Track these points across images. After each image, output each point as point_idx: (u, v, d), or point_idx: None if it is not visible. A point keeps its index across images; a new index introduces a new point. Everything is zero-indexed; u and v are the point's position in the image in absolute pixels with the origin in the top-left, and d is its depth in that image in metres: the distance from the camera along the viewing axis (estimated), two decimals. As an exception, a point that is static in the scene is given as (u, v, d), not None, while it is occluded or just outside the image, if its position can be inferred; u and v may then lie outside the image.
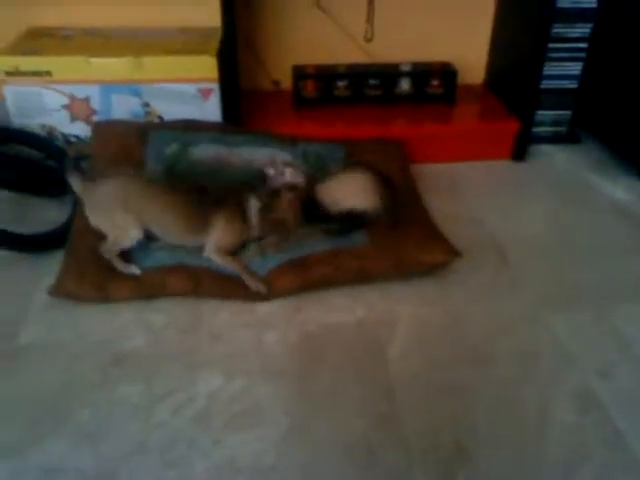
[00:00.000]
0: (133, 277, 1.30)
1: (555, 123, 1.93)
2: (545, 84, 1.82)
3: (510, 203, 1.66)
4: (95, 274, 1.29)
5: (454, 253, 1.36)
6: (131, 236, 1.33)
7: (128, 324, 1.24)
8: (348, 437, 1.03)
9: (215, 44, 1.68)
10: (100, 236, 1.34)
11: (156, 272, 1.30)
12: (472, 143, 1.85)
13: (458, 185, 1.73)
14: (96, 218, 1.35)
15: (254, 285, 1.30)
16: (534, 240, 1.51)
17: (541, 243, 1.51)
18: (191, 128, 1.61)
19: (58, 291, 1.27)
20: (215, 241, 1.35)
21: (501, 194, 1.71)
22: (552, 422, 1.05)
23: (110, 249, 1.32)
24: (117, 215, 1.33)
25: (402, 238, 1.38)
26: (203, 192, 1.38)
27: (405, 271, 1.34)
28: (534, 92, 1.80)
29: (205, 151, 1.57)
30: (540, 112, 1.89)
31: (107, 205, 1.34)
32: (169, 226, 1.36)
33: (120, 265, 1.31)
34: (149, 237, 1.36)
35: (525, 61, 1.78)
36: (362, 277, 1.33)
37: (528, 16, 1.75)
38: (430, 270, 1.36)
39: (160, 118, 1.69)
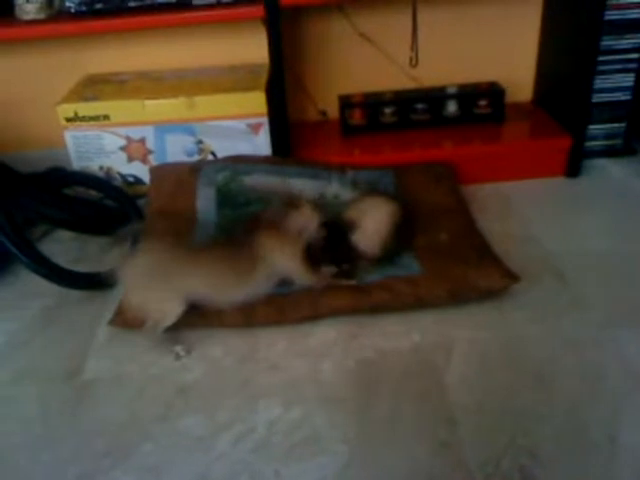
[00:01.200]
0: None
1: (609, 136, 1.89)
2: (596, 97, 1.79)
3: (566, 220, 1.62)
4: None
5: (512, 277, 1.33)
6: (173, 313, 1.26)
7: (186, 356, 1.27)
8: (409, 465, 1.01)
9: (263, 79, 1.73)
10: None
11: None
12: (523, 161, 1.83)
13: (511, 204, 1.71)
14: (135, 297, 1.27)
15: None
16: (594, 258, 1.47)
17: (602, 260, 1.46)
18: (242, 161, 1.65)
19: (118, 321, 1.31)
20: (287, 264, 1.31)
21: (556, 211, 1.67)
22: (620, 446, 1.01)
23: (153, 330, 1.27)
24: (157, 291, 1.26)
25: (457, 263, 1.35)
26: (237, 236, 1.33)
27: (461, 297, 1.32)
28: (585, 107, 1.77)
29: (257, 180, 1.60)
30: (593, 126, 1.85)
31: (146, 280, 1.27)
32: (218, 281, 1.29)
33: (165, 347, 1.26)
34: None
35: (574, 75, 1.76)
36: (417, 304, 1.31)
37: (576, 30, 1.73)
38: (487, 295, 1.33)
39: (213, 154, 1.74)
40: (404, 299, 1.30)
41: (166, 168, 1.69)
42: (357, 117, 1.90)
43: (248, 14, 1.62)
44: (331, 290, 1.32)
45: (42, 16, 1.66)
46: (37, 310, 1.42)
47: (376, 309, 1.31)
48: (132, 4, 1.62)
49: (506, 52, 1.96)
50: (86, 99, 1.71)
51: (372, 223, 1.38)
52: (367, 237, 1.37)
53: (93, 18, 1.62)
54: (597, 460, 0.99)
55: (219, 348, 1.27)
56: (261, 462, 1.03)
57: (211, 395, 1.17)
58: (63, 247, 1.62)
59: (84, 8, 1.61)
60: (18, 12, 1.67)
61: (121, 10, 1.62)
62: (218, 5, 1.62)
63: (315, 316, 1.30)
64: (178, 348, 1.27)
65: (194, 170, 1.63)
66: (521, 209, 1.68)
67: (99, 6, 1.61)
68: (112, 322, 1.32)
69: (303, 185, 1.59)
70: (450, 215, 1.53)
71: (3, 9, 1.69)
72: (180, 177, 1.62)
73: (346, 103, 1.90)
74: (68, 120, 1.70)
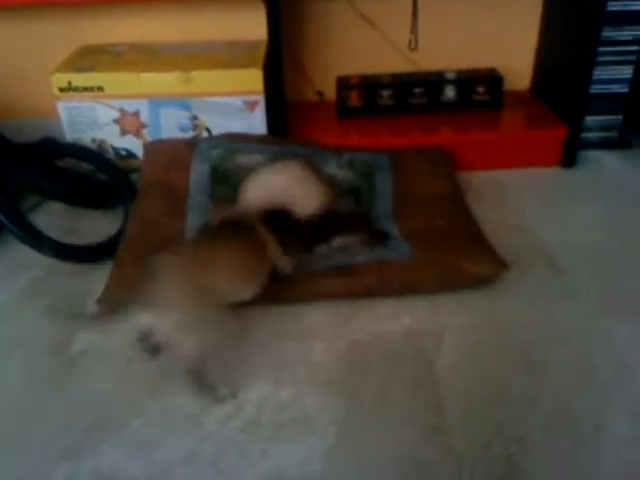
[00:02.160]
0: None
1: (605, 128, 1.88)
2: (594, 89, 1.78)
3: (560, 210, 1.63)
4: (143, 282, 1.30)
5: (502, 265, 1.33)
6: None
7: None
8: (397, 449, 1.02)
9: (261, 57, 1.70)
10: (150, 246, 1.36)
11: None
12: (519, 150, 1.83)
13: (506, 192, 1.71)
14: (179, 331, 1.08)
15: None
16: (586, 247, 1.47)
17: (594, 250, 1.47)
18: (237, 139, 1.64)
19: (106, 299, 1.30)
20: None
21: (551, 201, 1.67)
22: (608, 435, 1.02)
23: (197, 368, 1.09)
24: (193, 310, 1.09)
25: (448, 249, 1.35)
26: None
27: (451, 284, 1.32)
28: (583, 97, 1.76)
29: (250, 158, 1.58)
30: (589, 117, 1.85)
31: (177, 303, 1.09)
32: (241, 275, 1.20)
33: (210, 392, 1.11)
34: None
35: (574, 66, 1.75)
36: (407, 289, 1.31)
37: (577, 20, 1.72)
38: (477, 282, 1.33)
39: (207, 130, 1.72)
40: (394, 284, 1.31)
41: (160, 144, 1.68)
42: (354, 99, 1.88)
43: (249, -11, 1.60)
44: (323, 275, 1.31)
45: (39, -18, 1.63)
46: (26, 282, 1.41)
47: (367, 294, 1.31)
48: (131, -26, 1.59)
49: (506, 39, 1.95)
50: (80, 69, 1.68)
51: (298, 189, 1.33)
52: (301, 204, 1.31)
53: (90, -13, 1.59)
54: (585, 448, 1.00)
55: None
56: (249, 441, 1.03)
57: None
58: (54, 219, 1.60)
59: (82, -24, 1.58)
60: (14, -23, 1.63)
61: (119, -20, 1.59)
62: (218, -21, 1.60)
63: (307, 299, 1.30)
64: (224, 391, 1.12)
65: (189, 146, 1.61)
66: (516, 198, 1.68)
67: (98, -26, 1.58)
68: (100, 301, 1.30)
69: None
70: (445, 201, 1.53)
71: (-3, -26, 1.65)
72: (174, 152, 1.61)
73: (344, 84, 1.88)
74: (61, 90, 1.67)
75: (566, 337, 1.22)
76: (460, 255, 1.34)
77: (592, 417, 1.05)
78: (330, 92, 1.95)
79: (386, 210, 1.49)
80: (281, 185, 1.35)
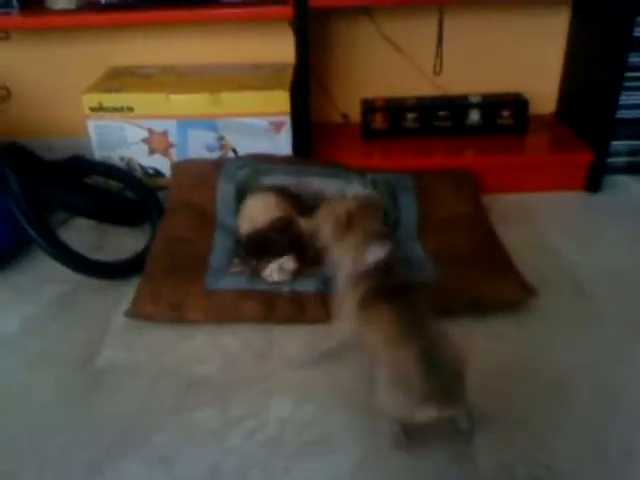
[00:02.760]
0: (207, 298, 1.31)
1: (631, 153, 1.87)
2: (620, 113, 1.78)
3: (586, 234, 1.62)
4: (170, 295, 1.32)
5: (529, 291, 1.32)
6: None
7: (202, 347, 1.27)
8: (422, 472, 1.00)
9: (287, 79, 1.73)
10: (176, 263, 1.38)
11: (230, 295, 1.31)
12: (544, 174, 1.82)
13: (531, 216, 1.70)
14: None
15: None
16: (613, 272, 1.46)
17: (621, 275, 1.45)
18: (263, 160, 1.66)
19: (134, 312, 1.32)
20: None
21: (576, 225, 1.66)
22: (638, 461, 1.00)
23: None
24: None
25: (476, 274, 1.34)
26: None
27: (478, 309, 1.30)
28: (609, 122, 1.76)
29: (274, 179, 1.60)
30: (615, 142, 1.84)
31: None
32: None
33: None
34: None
35: (599, 90, 1.75)
36: (439, 312, 1.29)
37: (602, 45, 1.72)
38: (503, 308, 1.32)
39: (234, 151, 1.74)
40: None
41: (187, 164, 1.71)
42: (379, 121, 1.90)
43: (276, 14, 1.63)
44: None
45: (73, 6, 1.67)
46: (53, 296, 1.43)
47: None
48: (162, -2, 1.63)
49: (531, 64, 1.95)
50: (111, 90, 1.72)
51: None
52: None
53: (123, 10, 1.64)
54: (614, 475, 0.99)
55: (235, 342, 1.27)
56: (272, 458, 1.03)
57: (225, 389, 1.17)
58: (82, 235, 1.62)
59: (115, 0, 1.62)
60: (49, 1, 1.68)
61: (151, 3, 1.63)
62: (247, 3, 1.63)
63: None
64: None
65: (215, 166, 1.63)
66: (541, 221, 1.67)
67: (130, -2, 1.62)
68: (128, 314, 1.32)
69: (323, 184, 1.58)
70: (470, 223, 1.52)
71: (35, -3, 1.71)
72: (201, 172, 1.63)
73: (369, 107, 1.90)
74: (92, 110, 1.70)
75: (594, 362, 1.21)
76: (486, 281, 1.32)
77: (622, 443, 1.03)
78: (354, 114, 1.97)
79: (411, 231, 1.49)
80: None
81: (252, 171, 1.62)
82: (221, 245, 1.46)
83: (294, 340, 1.27)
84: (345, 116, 2.02)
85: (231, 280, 1.35)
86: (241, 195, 1.58)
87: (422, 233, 1.48)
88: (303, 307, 1.31)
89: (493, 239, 1.49)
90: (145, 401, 1.15)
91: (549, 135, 1.95)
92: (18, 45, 1.89)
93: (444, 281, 1.33)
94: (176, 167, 1.70)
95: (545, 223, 1.67)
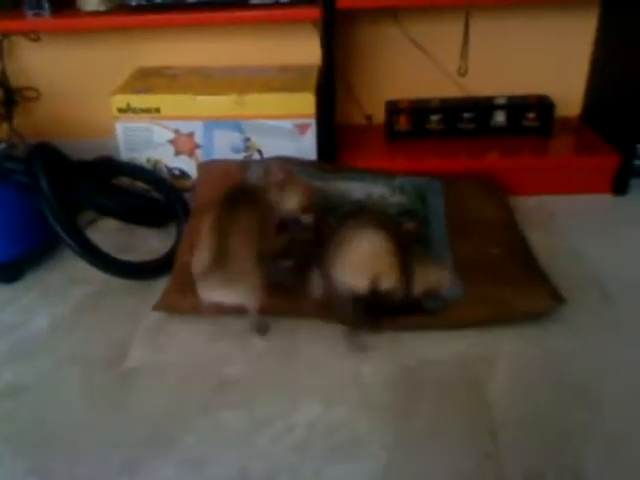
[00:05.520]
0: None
1: (659, 156, 1.86)
2: (648, 116, 1.76)
3: (612, 238, 1.60)
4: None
5: (558, 299, 1.30)
6: None
7: (229, 349, 1.28)
8: (449, 476, 1.01)
9: (313, 81, 1.74)
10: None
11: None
12: (570, 176, 1.81)
13: (556, 218, 1.69)
14: None
15: None
16: (639, 277, 1.45)
17: (647, 280, 1.44)
18: (289, 163, 1.66)
19: (162, 306, 1.33)
20: None
21: (602, 228, 1.65)
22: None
23: None
24: None
25: (502, 284, 1.31)
26: None
27: (503, 320, 1.29)
28: (636, 124, 1.74)
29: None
30: (642, 145, 1.82)
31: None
32: None
33: None
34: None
35: (626, 93, 1.73)
36: (457, 326, 1.29)
37: (630, 47, 1.71)
38: (531, 317, 1.30)
39: (259, 152, 1.75)
40: (444, 322, 1.29)
41: (214, 164, 1.72)
42: (403, 123, 1.90)
43: (304, 15, 1.64)
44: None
45: (103, 8, 1.69)
46: (82, 296, 1.45)
47: (414, 329, 1.29)
48: (191, 0, 1.64)
49: (557, 65, 1.94)
50: (138, 91, 1.74)
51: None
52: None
53: (153, 12, 1.65)
54: (642, 483, 0.98)
55: (261, 343, 1.28)
56: (300, 461, 1.04)
57: (252, 390, 1.18)
58: (109, 236, 1.64)
59: (144, 2, 1.64)
60: (79, 3, 1.70)
61: (180, 5, 1.65)
62: (275, 5, 1.64)
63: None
64: None
65: (242, 166, 1.65)
66: (566, 224, 1.66)
67: (159, 0, 1.63)
68: (156, 307, 1.33)
69: (349, 186, 1.59)
70: (500, 228, 1.51)
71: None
72: (228, 172, 1.64)
73: (393, 109, 1.90)
74: (120, 111, 1.72)
75: (620, 369, 1.20)
76: (514, 290, 1.30)
77: (650, 451, 1.03)
78: (379, 116, 1.97)
79: (441, 234, 1.48)
80: None
81: None
82: None
83: (320, 343, 1.28)
84: (369, 117, 2.02)
85: None
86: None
87: (452, 237, 1.47)
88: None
89: (524, 245, 1.48)
90: (174, 402, 1.16)
91: (575, 137, 1.93)
92: (48, 46, 1.92)
93: (468, 298, 1.30)
94: (203, 167, 1.72)
95: (570, 225, 1.65)
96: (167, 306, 1.34)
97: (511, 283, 1.32)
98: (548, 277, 1.36)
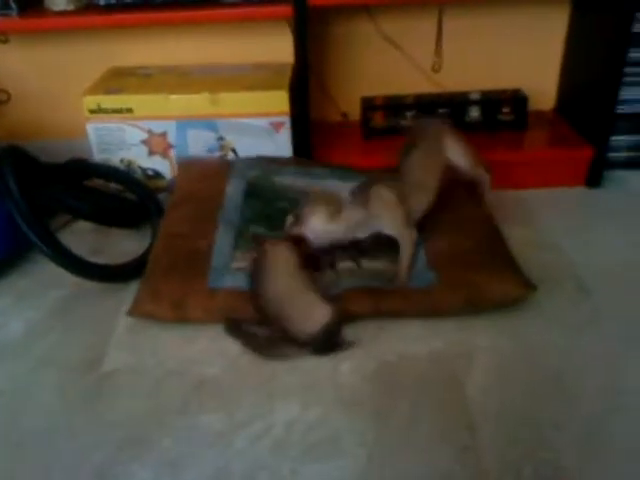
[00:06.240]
0: (210, 298, 1.30)
1: (632, 148, 1.87)
2: (620, 109, 1.78)
3: (586, 230, 1.62)
4: (171, 294, 1.31)
5: (529, 287, 1.32)
6: None
7: (205, 351, 1.26)
8: (428, 471, 1.01)
9: (287, 79, 1.73)
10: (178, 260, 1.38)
11: (233, 295, 1.31)
12: (544, 169, 1.82)
13: (532, 212, 1.70)
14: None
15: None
16: (616, 269, 1.46)
17: (622, 271, 1.45)
18: (271, 162, 1.67)
19: (136, 311, 1.31)
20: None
21: (576, 221, 1.66)
22: (642, 460, 1.01)
23: None
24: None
25: (473, 271, 1.34)
26: None
27: (477, 307, 1.31)
28: (609, 117, 1.76)
29: (287, 180, 1.61)
30: (615, 137, 1.84)
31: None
32: None
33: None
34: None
35: (599, 86, 1.75)
36: (433, 312, 1.31)
37: (602, 41, 1.72)
38: (504, 305, 1.32)
39: (233, 151, 1.74)
40: (420, 307, 1.30)
41: (195, 159, 1.72)
42: (379, 120, 1.90)
43: (275, 13, 1.62)
44: (350, 295, 1.31)
45: (71, 7, 1.67)
46: (56, 300, 1.43)
47: (392, 315, 1.31)
48: (160, -1, 1.62)
49: (530, 60, 1.95)
50: (110, 92, 1.72)
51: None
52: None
53: (122, 11, 1.63)
54: (618, 474, 0.99)
55: (236, 344, 1.27)
56: (279, 461, 1.03)
57: (229, 392, 1.17)
58: (82, 238, 1.62)
59: (113, 1, 1.62)
60: (48, 3, 1.67)
61: (150, 4, 1.63)
62: (246, 3, 1.62)
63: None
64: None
65: (224, 163, 1.65)
66: (541, 217, 1.67)
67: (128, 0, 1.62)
68: (130, 312, 1.32)
69: (333, 185, 1.58)
70: (474, 221, 1.52)
71: (34, -1, 1.70)
72: (209, 167, 1.65)
73: (368, 105, 1.89)
74: (92, 112, 1.70)
75: (596, 360, 1.21)
76: (485, 277, 1.32)
77: (625, 442, 1.04)
78: (354, 113, 1.97)
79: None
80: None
81: (263, 171, 1.63)
82: (223, 240, 1.45)
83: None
84: (345, 115, 2.02)
85: (233, 278, 1.35)
86: (251, 189, 1.59)
87: (425, 232, 1.48)
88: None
89: (496, 237, 1.49)
90: (151, 404, 1.15)
91: (549, 131, 1.95)
92: (17, 48, 1.88)
93: (441, 284, 1.33)
94: (183, 163, 1.71)
95: (545, 219, 1.67)
96: (141, 313, 1.32)
97: (483, 271, 1.34)
98: (519, 267, 1.37)
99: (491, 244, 1.45)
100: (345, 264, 1.41)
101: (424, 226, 1.44)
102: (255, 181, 1.61)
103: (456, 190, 1.57)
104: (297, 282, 1.27)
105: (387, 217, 1.37)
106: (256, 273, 1.29)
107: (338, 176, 1.63)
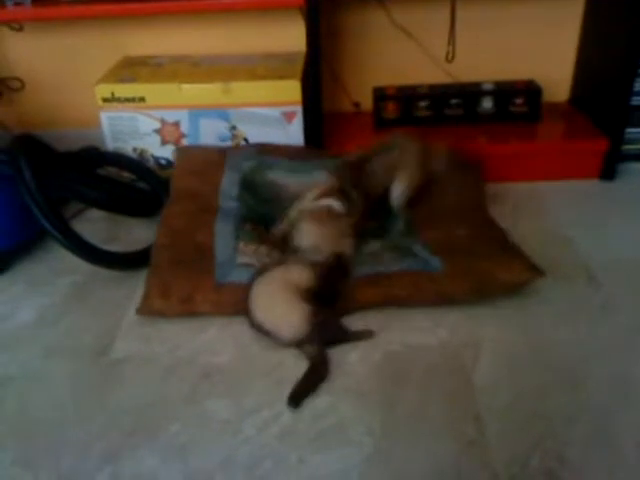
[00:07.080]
0: (217, 292, 1.31)
1: (646, 141, 1.86)
2: (635, 100, 1.76)
3: (600, 222, 1.61)
4: (180, 289, 1.32)
5: (536, 271, 1.31)
6: None
7: (215, 339, 1.28)
8: (434, 461, 1.01)
9: (299, 68, 1.72)
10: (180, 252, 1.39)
11: (241, 289, 1.31)
12: (558, 162, 1.81)
13: (545, 204, 1.69)
14: None
15: None
16: (626, 261, 1.45)
17: (633, 264, 1.44)
18: (268, 151, 1.67)
19: (145, 309, 1.32)
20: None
21: (590, 213, 1.65)
22: (651, 453, 1.00)
23: None
24: None
25: (478, 258, 1.34)
26: None
27: (485, 293, 1.30)
28: (624, 109, 1.74)
29: (278, 177, 1.62)
30: (630, 129, 1.82)
31: None
32: None
33: None
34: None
35: (614, 77, 1.73)
36: (440, 300, 1.30)
37: (617, 32, 1.70)
38: (511, 290, 1.32)
39: (245, 140, 1.74)
40: (427, 294, 1.30)
41: (192, 149, 1.72)
42: (391, 110, 1.89)
43: (288, 2, 1.63)
44: (359, 284, 1.32)
45: (84, -4, 1.67)
46: (68, 287, 1.44)
47: (399, 304, 1.31)
48: (173, -12, 1.62)
49: (544, 51, 1.93)
50: (123, 80, 1.72)
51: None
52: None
53: (133, 0, 1.63)
54: (625, 467, 0.99)
55: (248, 333, 1.27)
56: (286, 448, 1.04)
57: (238, 379, 1.18)
58: (95, 226, 1.64)
59: (126, -11, 1.62)
60: (60, -9, 1.68)
61: (162, -7, 1.63)
62: (259, -9, 1.63)
63: (344, 311, 1.31)
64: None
65: (220, 153, 1.65)
66: (554, 209, 1.66)
67: (142, -12, 1.62)
68: (140, 311, 1.32)
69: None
70: (471, 211, 1.52)
71: (45, -12, 1.71)
72: (206, 158, 1.64)
73: (380, 95, 1.89)
74: (105, 100, 1.71)
75: (605, 352, 1.20)
76: (491, 263, 1.32)
77: (633, 435, 1.03)
78: (366, 103, 1.96)
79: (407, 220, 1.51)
80: None
81: (257, 163, 1.64)
82: (223, 232, 1.46)
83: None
84: (357, 104, 2.01)
85: (239, 273, 1.35)
86: (245, 183, 1.59)
87: (418, 222, 1.49)
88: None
89: (491, 224, 1.48)
90: (160, 392, 1.16)
91: (563, 122, 1.93)
92: (31, 36, 1.90)
93: (447, 270, 1.32)
94: (180, 152, 1.71)
95: (558, 211, 1.66)
96: (150, 311, 1.32)
97: (488, 258, 1.34)
98: (522, 252, 1.37)
99: (487, 231, 1.45)
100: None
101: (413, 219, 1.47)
102: (250, 175, 1.61)
103: (440, 181, 1.58)
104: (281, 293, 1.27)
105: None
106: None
107: (331, 166, 1.61)
